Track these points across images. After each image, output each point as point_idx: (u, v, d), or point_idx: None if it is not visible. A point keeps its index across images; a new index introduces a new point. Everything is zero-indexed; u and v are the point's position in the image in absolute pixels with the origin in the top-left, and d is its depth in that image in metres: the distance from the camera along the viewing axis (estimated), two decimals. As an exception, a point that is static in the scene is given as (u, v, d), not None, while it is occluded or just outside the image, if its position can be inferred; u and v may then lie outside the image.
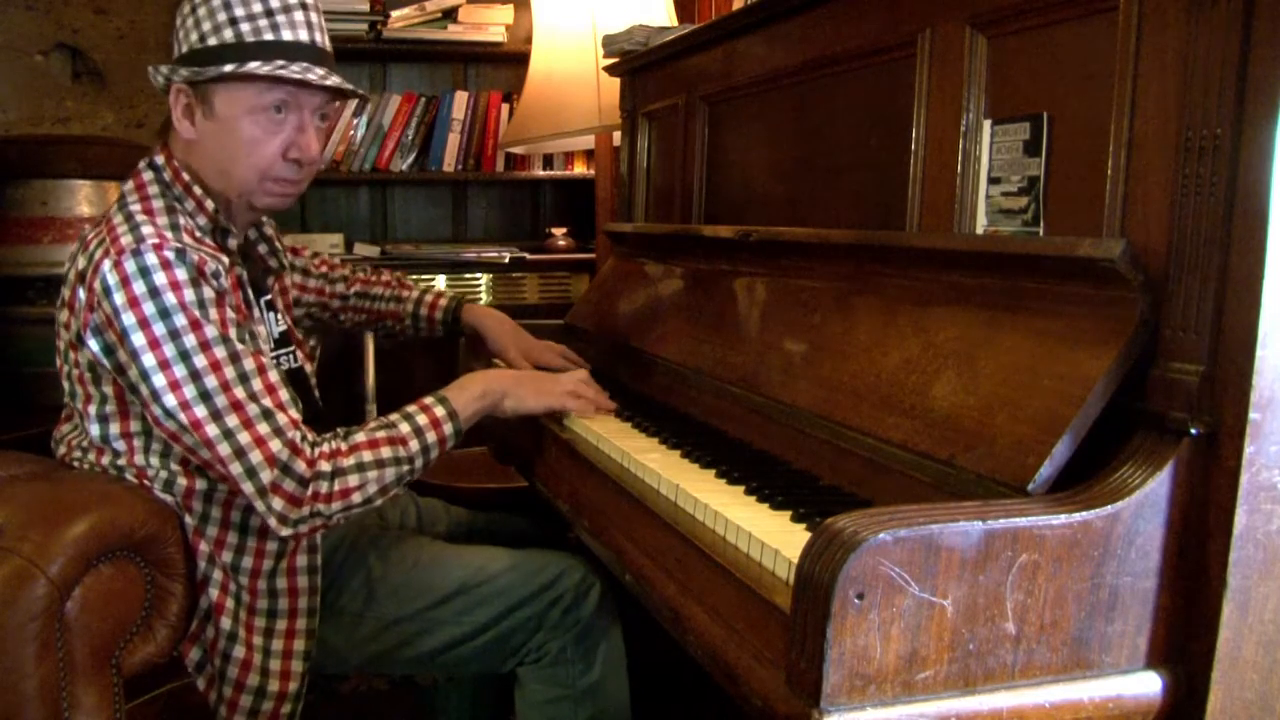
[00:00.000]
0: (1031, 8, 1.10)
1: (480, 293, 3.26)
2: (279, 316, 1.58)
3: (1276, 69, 0.83)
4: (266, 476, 1.26)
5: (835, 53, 1.44)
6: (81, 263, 1.34)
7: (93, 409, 1.37)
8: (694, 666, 1.02)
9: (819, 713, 0.80)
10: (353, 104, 3.18)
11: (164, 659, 1.31)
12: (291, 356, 1.58)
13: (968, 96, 1.19)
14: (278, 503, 1.26)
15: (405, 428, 1.36)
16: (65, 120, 3.26)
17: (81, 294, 1.32)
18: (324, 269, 1.85)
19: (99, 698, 1.22)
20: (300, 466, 1.27)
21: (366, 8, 3.12)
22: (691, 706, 1.90)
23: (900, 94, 1.30)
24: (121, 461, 1.37)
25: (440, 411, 1.39)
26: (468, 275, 3.24)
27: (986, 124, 1.18)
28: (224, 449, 1.26)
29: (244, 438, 1.26)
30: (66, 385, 1.41)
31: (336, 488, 1.29)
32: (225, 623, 1.36)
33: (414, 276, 3.17)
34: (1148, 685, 0.90)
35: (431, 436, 1.37)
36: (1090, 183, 1.02)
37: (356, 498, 1.31)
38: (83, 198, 2.76)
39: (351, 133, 3.20)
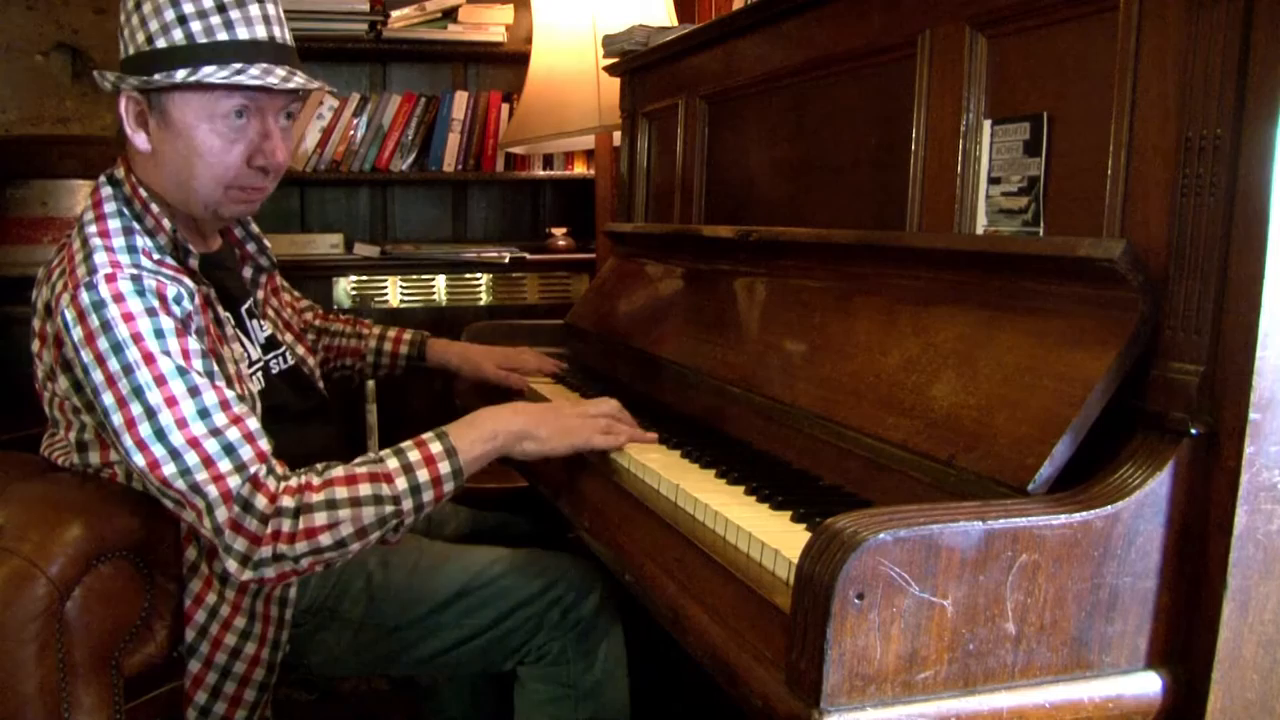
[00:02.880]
0: (1031, 8, 1.10)
1: (480, 293, 3.26)
2: (262, 322, 1.53)
3: (1276, 69, 0.83)
4: (223, 514, 1.17)
5: (835, 53, 1.44)
6: (45, 294, 1.30)
7: (73, 436, 1.35)
8: (694, 666, 1.02)
9: (819, 713, 0.80)
10: (353, 104, 3.18)
11: (163, 659, 1.31)
12: (282, 358, 1.54)
13: (968, 96, 1.19)
14: (239, 542, 1.17)
15: (393, 464, 1.24)
16: (65, 120, 3.26)
17: (50, 327, 1.29)
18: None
19: (99, 698, 1.22)
20: (261, 502, 1.18)
21: (366, 8, 3.12)
22: (692, 706, 1.90)
23: (900, 94, 1.30)
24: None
25: (437, 448, 1.26)
26: (468, 275, 3.23)
27: (986, 124, 1.18)
28: (180, 485, 1.18)
29: (201, 475, 1.18)
30: (49, 411, 1.39)
31: (301, 526, 1.18)
32: (189, 635, 1.33)
33: (414, 276, 3.19)
34: (1148, 685, 0.90)
35: (423, 475, 1.24)
36: (1090, 183, 1.02)
37: (325, 539, 1.19)
38: (83, 198, 2.76)
39: (351, 133, 3.20)
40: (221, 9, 1.27)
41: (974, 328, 1.08)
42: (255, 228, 1.59)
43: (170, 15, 1.27)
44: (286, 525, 1.18)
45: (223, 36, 1.27)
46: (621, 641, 1.53)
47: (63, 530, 1.20)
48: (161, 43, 1.27)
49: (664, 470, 1.25)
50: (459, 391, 1.99)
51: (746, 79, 1.69)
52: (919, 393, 1.09)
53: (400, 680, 1.84)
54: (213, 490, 1.18)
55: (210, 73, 1.26)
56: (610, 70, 2.21)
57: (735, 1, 2.44)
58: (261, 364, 1.49)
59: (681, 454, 1.35)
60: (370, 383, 2.93)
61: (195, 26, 1.27)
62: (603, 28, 2.39)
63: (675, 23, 2.57)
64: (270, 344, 1.53)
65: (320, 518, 1.19)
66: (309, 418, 1.53)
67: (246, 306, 1.51)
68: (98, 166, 2.70)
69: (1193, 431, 0.88)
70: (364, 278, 3.14)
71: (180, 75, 1.25)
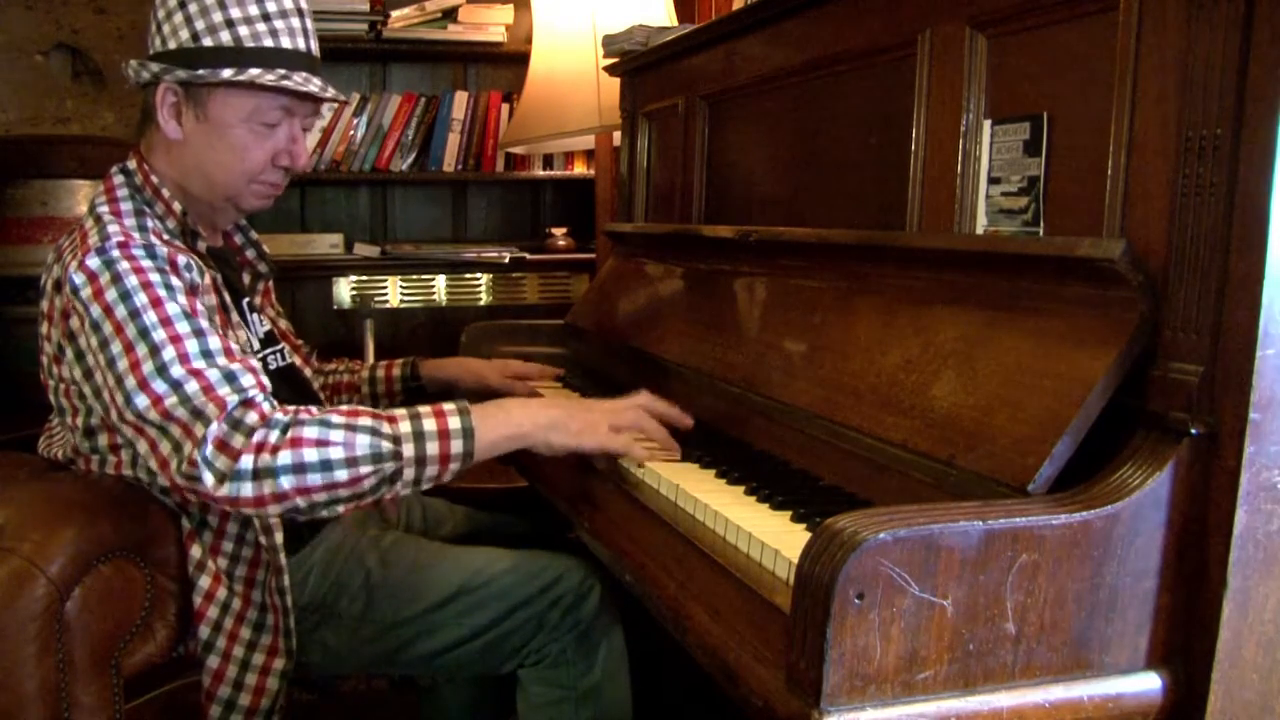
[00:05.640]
0: (1031, 8, 1.10)
1: (480, 293, 3.26)
2: (262, 317, 1.56)
3: (1276, 69, 0.83)
4: (213, 430, 1.15)
5: (835, 53, 1.44)
6: (56, 271, 1.32)
7: (80, 421, 1.35)
8: (694, 666, 1.02)
9: (819, 713, 0.80)
10: (353, 104, 3.18)
11: (163, 659, 1.31)
12: (279, 355, 1.56)
13: (968, 96, 1.19)
14: (220, 460, 1.15)
15: (401, 411, 1.24)
16: (65, 120, 3.26)
17: (58, 302, 1.30)
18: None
19: (99, 698, 1.22)
20: (252, 418, 1.17)
21: (366, 8, 3.12)
22: (692, 707, 1.90)
23: (900, 94, 1.30)
24: (109, 471, 1.36)
25: (456, 424, 1.23)
26: (468, 275, 3.23)
27: (986, 124, 1.18)
28: (182, 412, 1.17)
29: (200, 400, 1.17)
30: (53, 399, 1.39)
31: (289, 435, 1.16)
32: (204, 631, 1.33)
33: (414, 276, 3.19)
34: (1148, 685, 0.90)
35: (431, 425, 1.22)
36: (1090, 183, 1.02)
37: (310, 454, 1.15)
38: (83, 198, 2.76)
39: (351, 133, 3.20)
40: (266, 18, 1.35)
41: (974, 328, 1.08)
42: (254, 234, 1.61)
43: (218, 17, 1.34)
44: (274, 437, 1.16)
45: (268, 43, 1.36)
46: (622, 642, 1.53)
47: (63, 530, 1.20)
48: (209, 41, 1.34)
49: (664, 470, 1.25)
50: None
51: (746, 79, 1.69)
52: (919, 393, 1.09)
53: (400, 680, 1.85)
54: (211, 408, 1.17)
55: (258, 74, 1.33)
56: (610, 70, 2.21)
57: (735, 1, 2.44)
58: (260, 357, 1.50)
59: (681, 454, 1.35)
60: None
61: (243, 31, 1.34)
62: (603, 28, 2.39)
63: (675, 23, 2.57)
64: (269, 339, 1.56)
65: (310, 431, 1.17)
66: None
67: (247, 301, 1.53)
68: (97, 166, 2.73)
69: (1193, 431, 0.88)
70: (364, 278, 3.15)
71: (227, 73, 1.32)
